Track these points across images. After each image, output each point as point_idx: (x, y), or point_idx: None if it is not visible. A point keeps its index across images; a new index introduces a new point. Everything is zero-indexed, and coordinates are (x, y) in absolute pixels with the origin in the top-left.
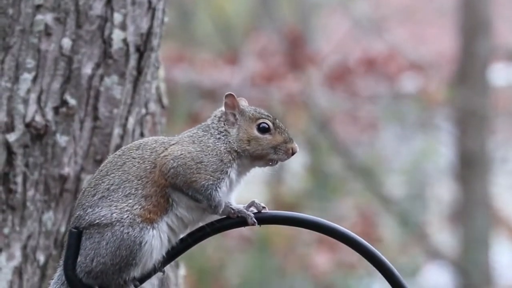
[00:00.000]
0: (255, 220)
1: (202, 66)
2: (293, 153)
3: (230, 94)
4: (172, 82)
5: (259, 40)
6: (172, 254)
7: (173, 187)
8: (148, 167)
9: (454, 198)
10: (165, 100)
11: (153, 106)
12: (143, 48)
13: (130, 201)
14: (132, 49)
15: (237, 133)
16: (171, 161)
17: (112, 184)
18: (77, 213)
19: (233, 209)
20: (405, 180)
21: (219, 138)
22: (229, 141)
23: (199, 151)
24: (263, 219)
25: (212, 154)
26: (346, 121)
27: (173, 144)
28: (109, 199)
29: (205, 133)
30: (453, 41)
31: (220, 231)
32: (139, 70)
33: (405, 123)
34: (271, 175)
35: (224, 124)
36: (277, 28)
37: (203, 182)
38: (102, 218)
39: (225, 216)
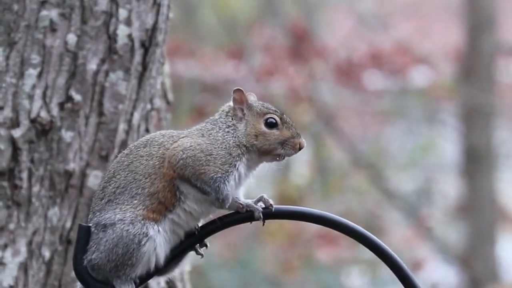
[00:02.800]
0: (261, 216)
1: (205, 61)
2: (300, 148)
3: (238, 89)
4: (175, 77)
5: (263, 35)
6: (182, 249)
7: (182, 178)
8: (157, 163)
9: (460, 194)
10: (170, 96)
11: (158, 102)
12: (148, 44)
13: (135, 201)
14: (137, 44)
15: (245, 128)
16: (181, 152)
17: (118, 187)
18: (89, 216)
19: (241, 204)
20: (410, 175)
21: (227, 132)
22: (238, 136)
23: (208, 143)
24: (272, 214)
25: (221, 147)
26: (352, 116)
27: (183, 137)
28: (115, 202)
29: (213, 127)
30: (459, 37)
31: (227, 226)
32: (144, 65)
33: (411, 118)
34: (276, 170)
35: (232, 119)
36: (281, 23)
37: (212, 174)
38: (107, 219)
39: (233, 211)
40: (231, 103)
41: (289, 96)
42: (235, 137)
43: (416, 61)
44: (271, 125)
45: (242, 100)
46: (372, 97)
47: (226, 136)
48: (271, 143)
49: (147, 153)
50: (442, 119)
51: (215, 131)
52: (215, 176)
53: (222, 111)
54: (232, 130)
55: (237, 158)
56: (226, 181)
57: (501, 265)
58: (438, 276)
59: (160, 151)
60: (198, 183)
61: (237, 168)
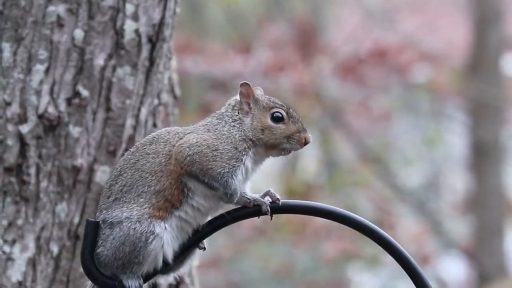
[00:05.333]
0: (269, 209)
1: (212, 57)
2: (306, 143)
3: (245, 83)
4: (183, 74)
5: (270, 31)
6: (189, 244)
7: (189, 175)
8: (163, 160)
9: (468, 188)
10: (177, 91)
11: (165, 97)
12: (155, 39)
13: (141, 199)
14: (144, 39)
15: (251, 122)
16: (187, 149)
17: (124, 185)
18: (96, 214)
19: (249, 198)
20: (418, 170)
21: (233, 126)
22: (244, 130)
23: (214, 138)
24: (279, 209)
25: (227, 142)
26: (358, 111)
27: (189, 133)
28: (122, 200)
29: (219, 121)
30: (466, 32)
31: (235, 220)
32: (152, 60)
33: (418, 114)
34: (284, 165)
35: (238, 112)
36: (288, 18)
37: (219, 170)
38: (114, 218)
39: (240, 206)
40: (237, 97)
41: (296, 91)
42: (241, 131)
43: (421, 57)
44: (277, 119)
45: (248, 94)
46: (378, 92)
47: (232, 131)
48: (277, 137)
49: (153, 150)
50: (449, 113)
51: (221, 125)
52: (223, 171)
53: (229, 105)
54: (238, 124)
55: (244, 153)
56: (233, 175)
57: (509, 259)
58: (446, 271)
59: (166, 148)
60: (206, 178)
61: (244, 163)
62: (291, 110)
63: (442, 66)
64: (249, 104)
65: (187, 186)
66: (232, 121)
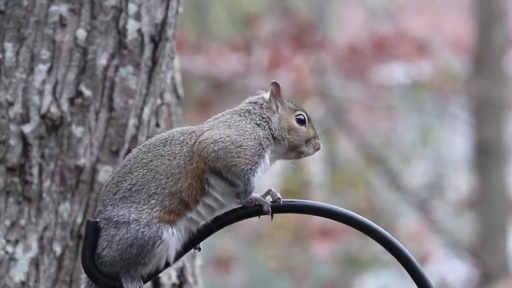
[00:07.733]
0: (270, 210)
1: (212, 55)
2: (318, 149)
3: (275, 83)
4: (182, 72)
5: (267, 27)
6: (190, 242)
7: (212, 171)
8: (182, 162)
9: (471, 188)
10: (180, 91)
11: (168, 97)
12: (158, 39)
13: (153, 201)
14: (147, 39)
15: (278, 121)
16: (212, 144)
17: (134, 184)
18: (98, 208)
19: (250, 198)
20: (421, 170)
21: (259, 124)
22: (270, 128)
23: (237, 135)
24: (280, 208)
25: (251, 138)
26: (361, 110)
27: (208, 130)
28: (130, 200)
29: (243, 118)
30: (469, 31)
31: (236, 220)
32: (154, 60)
33: (421, 112)
34: (286, 165)
35: (266, 111)
36: (288, 16)
37: (243, 167)
38: (121, 217)
39: (241, 206)
40: (263, 96)
41: (296, 89)
42: (265, 129)
43: (422, 51)
44: (301, 121)
45: (278, 93)
46: (380, 91)
47: (256, 128)
48: (300, 139)
49: (168, 152)
50: (453, 112)
51: (243, 122)
52: (246, 168)
53: (255, 103)
54: (264, 122)
55: (266, 150)
56: (254, 172)
57: None
58: (449, 270)
59: (184, 150)
60: (229, 175)
61: (264, 160)
62: (308, 114)
63: (444, 65)
64: (276, 104)
65: (208, 182)
66: (260, 119)
